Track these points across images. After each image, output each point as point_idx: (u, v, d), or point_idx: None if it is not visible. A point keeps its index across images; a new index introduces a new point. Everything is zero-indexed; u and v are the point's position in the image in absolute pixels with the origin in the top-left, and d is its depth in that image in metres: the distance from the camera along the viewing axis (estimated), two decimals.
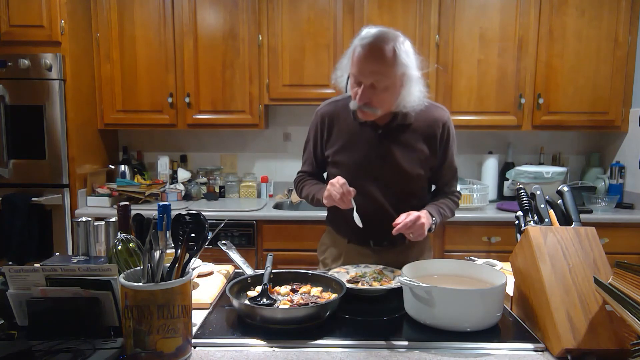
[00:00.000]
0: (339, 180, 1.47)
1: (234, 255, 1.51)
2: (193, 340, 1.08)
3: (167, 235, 1.06)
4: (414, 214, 1.46)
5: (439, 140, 1.62)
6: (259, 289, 1.31)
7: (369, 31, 1.47)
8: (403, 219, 1.45)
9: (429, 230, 1.52)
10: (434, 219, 1.55)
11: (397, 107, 1.55)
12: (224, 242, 1.56)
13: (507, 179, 3.08)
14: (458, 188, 1.76)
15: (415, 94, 1.52)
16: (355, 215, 1.47)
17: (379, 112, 1.51)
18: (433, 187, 1.77)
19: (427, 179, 1.68)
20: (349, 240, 1.72)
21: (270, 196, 3.29)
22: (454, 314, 1.13)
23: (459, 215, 2.76)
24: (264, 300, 1.23)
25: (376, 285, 1.39)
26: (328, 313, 1.20)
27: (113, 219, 1.50)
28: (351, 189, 1.46)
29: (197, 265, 1.54)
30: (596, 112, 2.99)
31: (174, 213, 1.07)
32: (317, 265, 1.86)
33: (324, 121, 1.67)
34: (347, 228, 1.65)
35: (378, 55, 1.42)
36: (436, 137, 1.62)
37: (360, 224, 1.47)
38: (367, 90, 1.45)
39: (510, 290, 1.32)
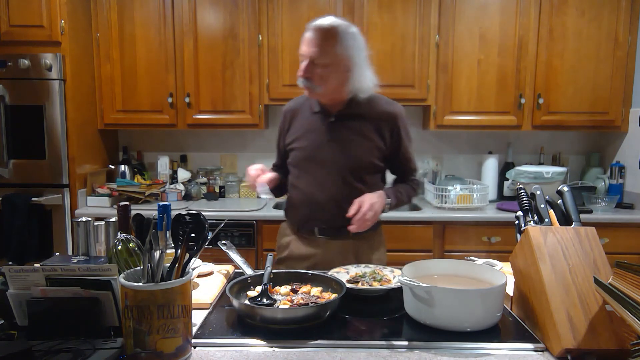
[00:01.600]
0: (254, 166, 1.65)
1: (234, 255, 1.51)
2: (193, 340, 1.08)
3: (167, 235, 1.06)
4: (367, 202, 1.54)
5: (390, 131, 1.69)
6: (259, 289, 1.31)
7: (321, 18, 1.61)
8: (359, 212, 1.53)
9: (383, 211, 1.62)
10: (389, 199, 1.65)
11: (347, 93, 1.65)
12: (224, 242, 1.56)
13: (507, 179, 3.08)
14: (417, 176, 1.86)
15: (364, 81, 1.62)
16: (260, 189, 1.61)
17: (320, 90, 1.59)
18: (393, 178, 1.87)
19: (381, 171, 1.75)
20: (297, 228, 1.77)
21: None
22: (454, 314, 1.13)
23: (459, 215, 2.76)
24: (264, 300, 1.23)
25: (376, 285, 1.39)
26: (328, 313, 1.20)
27: (113, 219, 1.50)
28: (260, 173, 1.63)
29: (197, 265, 1.53)
30: (596, 112, 2.99)
31: (174, 213, 1.07)
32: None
33: (287, 116, 1.79)
34: (296, 215, 1.76)
35: (319, 34, 1.55)
36: (388, 128, 1.69)
37: (265, 196, 1.60)
38: (308, 66, 1.55)
39: (510, 290, 1.32)
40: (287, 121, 1.78)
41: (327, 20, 1.58)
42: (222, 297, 1.38)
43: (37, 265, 1.20)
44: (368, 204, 1.53)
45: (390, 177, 1.85)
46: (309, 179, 1.69)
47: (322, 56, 1.55)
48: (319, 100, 1.70)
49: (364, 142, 1.67)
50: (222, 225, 1.64)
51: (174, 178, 3.25)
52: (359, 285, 1.38)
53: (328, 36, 1.55)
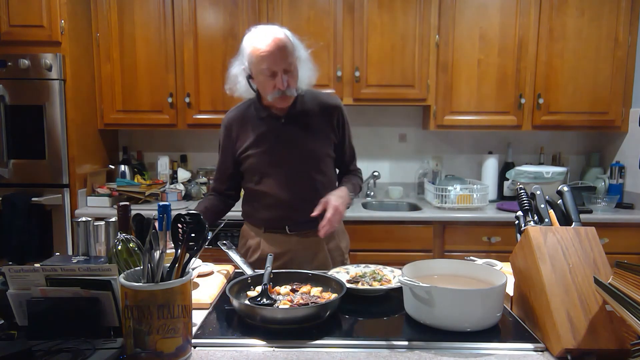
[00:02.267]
0: None
1: (234, 255, 1.51)
2: (193, 340, 1.08)
3: (167, 235, 1.06)
4: (331, 206, 1.60)
5: (335, 123, 1.79)
6: (259, 289, 1.31)
7: (259, 30, 1.64)
8: (325, 218, 1.59)
9: (347, 207, 1.69)
10: (351, 194, 1.75)
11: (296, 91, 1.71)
12: (224, 242, 1.56)
13: (507, 179, 3.08)
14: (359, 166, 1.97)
15: (306, 73, 1.71)
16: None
17: (294, 94, 1.68)
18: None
19: (333, 159, 1.82)
20: (265, 229, 1.79)
21: None
22: (454, 314, 1.13)
23: (459, 215, 2.76)
24: (264, 300, 1.23)
25: (376, 285, 1.39)
26: (328, 313, 1.20)
27: (113, 219, 1.50)
28: None
29: (197, 265, 1.54)
30: (596, 112, 2.99)
31: (174, 213, 1.07)
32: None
33: (231, 126, 1.79)
34: (262, 217, 1.79)
35: (281, 44, 1.59)
36: (332, 119, 1.78)
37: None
38: (284, 76, 1.60)
39: (510, 290, 1.32)
40: (233, 131, 1.78)
41: (274, 30, 1.62)
42: (222, 297, 1.38)
43: (37, 265, 1.20)
44: (332, 208, 1.60)
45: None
46: (271, 182, 1.73)
47: (292, 64, 1.63)
48: (263, 105, 1.75)
49: (317, 136, 1.75)
50: (222, 225, 1.64)
51: (174, 178, 3.25)
52: (359, 285, 1.38)
53: (286, 44, 1.60)
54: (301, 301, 1.24)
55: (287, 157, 1.72)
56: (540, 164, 3.28)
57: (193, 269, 1.17)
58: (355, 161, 1.93)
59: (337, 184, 1.86)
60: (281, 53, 1.59)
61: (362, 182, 1.93)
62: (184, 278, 1.02)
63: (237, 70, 1.71)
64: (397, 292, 1.32)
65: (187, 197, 3.15)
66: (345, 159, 1.88)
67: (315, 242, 1.77)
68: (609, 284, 0.97)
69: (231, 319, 1.23)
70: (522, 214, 1.33)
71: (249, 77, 1.69)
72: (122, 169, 3.17)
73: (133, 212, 1.17)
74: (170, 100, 3.00)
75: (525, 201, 1.34)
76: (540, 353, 1.06)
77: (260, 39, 1.60)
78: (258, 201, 1.78)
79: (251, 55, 1.62)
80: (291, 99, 1.68)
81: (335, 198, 1.63)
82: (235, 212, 2.81)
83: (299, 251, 1.76)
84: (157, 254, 1.02)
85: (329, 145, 1.78)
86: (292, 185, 1.72)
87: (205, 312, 1.28)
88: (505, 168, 3.19)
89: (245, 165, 1.77)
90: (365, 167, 3.03)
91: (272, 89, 1.63)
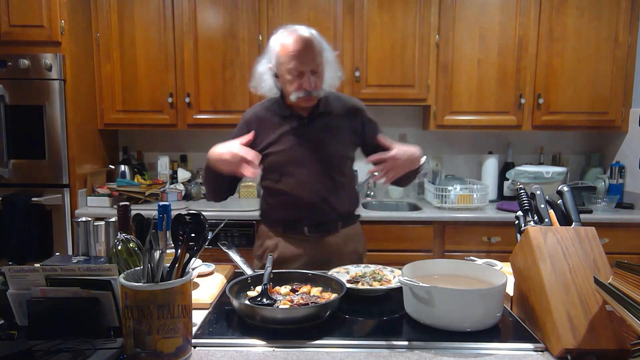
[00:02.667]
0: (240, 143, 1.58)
1: (234, 255, 1.51)
2: (193, 340, 1.08)
3: (167, 235, 1.06)
4: (394, 151, 1.56)
5: (358, 124, 1.78)
6: (259, 289, 1.31)
7: (288, 29, 1.64)
8: (382, 157, 1.54)
9: (417, 170, 1.66)
10: (424, 157, 1.68)
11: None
12: (224, 242, 1.56)
13: (507, 179, 3.08)
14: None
15: (331, 75, 1.71)
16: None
17: (320, 95, 1.68)
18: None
19: (353, 161, 1.81)
20: (283, 229, 1.78)
21: None
22: (454, 314, 1.13)
23: (459, 215, 2.76)
24: (264, 300, 1.23)
25: (376, 285, 1.39)
26: (328, 313, 1.20)
27: (113, 219, 1.50)
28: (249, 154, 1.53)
29: (197, 265, 1.53)
30: (596, 112, 2.99)
31: (174, 213, 1.07)
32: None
33: (251, 123, 1.79)
34: (281, 217, 1.77)
35: (310, 44, 1.60)
36: (354, 121, 1.78)
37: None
38: (311, 76, 1.61)
39: (510, 290, 1.32)
40: (254, 128, 1.76)
41: (303, 30, 1.63)
42: (222, 297, 1.38)
43: (37, 265, 1.20)
44: (393, 154, 1.54)
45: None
46: (291, 181, 1.71)
47: (319, 65, 1.64)
48: (286, 104, 1.75)
49: (339, 137, 1.75)
50: (222, 225, 1.64)
51: (174, 178, 3.25)
52: (359, 285, 1.38)
53: (314, 45, 1.61)
54: (301, 301, 1.24)
55: (308, 157, 1.70)
56: (540, 164, 3.28)
57: (193, 269, 1.17)
58: None
59: (355, 187, 1.86)
60: (309, 53, 1.60)
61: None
62: (184, 278, 1.02)
63: (263, 69, 1.71)
64: (397, 292, 1.32)
65: (187, 197, 3.15)
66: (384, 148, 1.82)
67: (334, 244, 1.76)
68: (609, 284, 0.97)
69: (231, 319, 1.23)
70: (522, 214, 1.33)
71: (275, 76, 1.69)
72: (122, 169, 3.17)
73: (133, 212, 1.17)
74: (170, 100, 3.00)
75: (525, 201, 1.34)
76: (540, 353, 1.06)
77: (288, 38, 1.60)
78: (277, 200, 1.77)
79: (279, 54, 1.63)
80: (315, 99, 1.69)
81: (401, 147, 1.58)
82: (236, 212, 2.82)
83: (317, 253, 1.74)
84: (157, 254, 1.02)
85: (350, 148, 1.77)
86: (312, 185, 1.70)
87: (205, 312, 1.28)
88: (505, 168, 3.19)
89: (266, 163, 1.74)
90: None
91: (298, 89, 1.63)
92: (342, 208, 1.77)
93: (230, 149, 1.58)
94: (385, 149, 1.59)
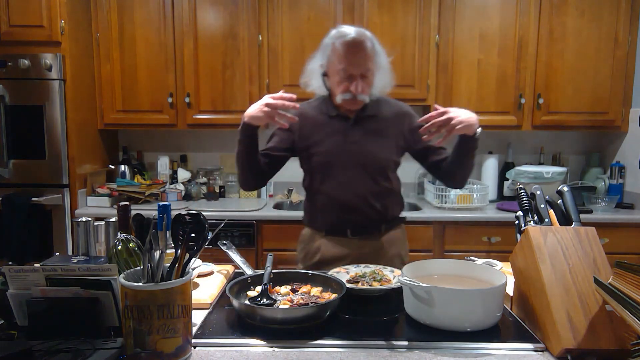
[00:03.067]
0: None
1: (234, 255, 1.51)
2: (193, 340, 1.08)
3: (167, 235, 1.06)
4: (448, 111, 1.49)
5: (406, 129, 1.75)
6: (259, 289, 1.31)
7: (345, 29, 1.62)
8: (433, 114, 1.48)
9: (475, 137, 1.56)
10: (480, 129, 1.57)
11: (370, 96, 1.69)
12: (224, 242, 1.56)
13: (507, 179, 3.08)
14: None
15: (381, 81, 1.69)
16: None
17: (365, 99, 1.65)
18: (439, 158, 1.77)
19: (398, 167, 1.79)
20: (326, 232, 1.76)
21: (270, 196, 3.29)
22: (454, 314, 1.13)
23: (459, 215, 2.76)
24: (264, 300, 1.23)
25: (376, 285, 1.39)
26: (328, 313, 1.20)
27: (113, 219, 1.50)
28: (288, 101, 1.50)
29: (197, 265, 1.53)
30: (596, 112, 2.99)
31: (174, 213, 1.07)
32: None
33: (298, 117, 1.72)
34: (324, 219, 1.75)
35: (363, 48, 1.58)
36: (402, 126, 1.76)
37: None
38: (359, 80, 1.60)
39: (510, 290, 1.32)
40: (299, 124, 1.72)
41: (361, 33, 1.60)
42: (222, 297, 1.38)
43: (37, 265, 1.20)
44: (448, 112, 1.48)
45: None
46: (334, 183, 1.70)
47: (370, 70, 1.61)
48: (334, 104, 1.72)
49: (385, 141, 1.73)
50: (222, 225, 1.64)
51: (174, 178, 3.25)
52: (359, 285, 1.38)
53: (368, 49, 1.59)
54: (301, 301, 1.24)
55: (353, 159, 1.69)
56: (540, 164, 3.28)
57: (193, 269, 1.17)
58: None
59: (401, 190, 1.83)
60: (361, 57, 1.58)
61: None
62: (184, 278, 1.02)
63: (315, 66, 1.70)
64: (397, 292, 1.32)
65: (187, 197, 3.15)
66: (436, 152, 1.77)
67: (376, 247, 1.75)
68: (609, 284, 0.97)
69: (231, 319, 1.23)
70: (522, 214, 1.33)
71: (324, 75, 1.69)
72: (122, 169, 3.17)
73: (133, 212, 1.17)
74: (170, 100, 3.00)
75: (525, 201, 1.34)
76: (540, 353, 1.06)
77: (343, 39, 1.58)
78: (320, 202, 1.75)
79: (330, 54, 1.62)
80: (360, 104, 1.67)
81: (459, 109, 1.50)
82: (236, 212, 2.82)
83: (359, 256, 1.71)
84: (157, 254, 1.02)
85: (396, 152, 1.75)
86: (355, 188, 1.69)
87: (205, 312, 1.28)
88: (505, 168, 3.19)
89: (310, 163, 1.74)
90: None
91: (344, 91, 1.62)
92: (386, 211, 1.74)
93: (265, 98, 1.54)
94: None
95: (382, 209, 1.73)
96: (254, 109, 1.56)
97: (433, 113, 1.50)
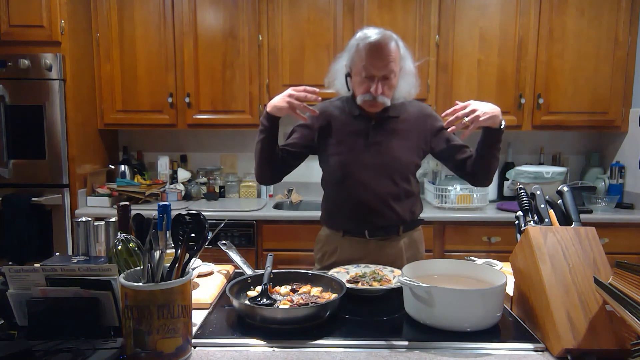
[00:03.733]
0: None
1: (234, 255, 1.51)
2: (193, 340, 1.08)
3: (167, 235, 1.06)
4: (471, 105, 1.51)
5: (429, 131, 1.75)
6: (259, 289, 1.31)
7: (369, 31, 1.62)
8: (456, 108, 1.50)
9: (500, 130, 1.61)
10: (503, 122, 1.59)
11: (393, 99, 1.69)
12: (224, 242, 1.56)
13: (507, 179, 3.08)
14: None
15: (406, 86, 1.69)
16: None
17: (387, 102, 1.64)
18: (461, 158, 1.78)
19: (418, 169, 1.79)
20: (344, 233, 1.75)
21: (270, 196, 3.29)
22: (454, 314, 1.13)
23: (459, 215, 2.76)
24: (264, 300, 1.23)
25: (376, 285, 1.39)
26: (328, 313, 1.20)
27: (113, 219, 1.49)
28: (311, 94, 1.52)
29: (197, 265, 1.53)
30: (596, 112, 2.99)
31: (174, 213, 1.07)
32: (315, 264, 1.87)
33: (320, 114, 1.72)
34: (342, 219, 1.74)
35: (388, 51, 1.58)
36: (425, 128, 1.75)
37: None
38: (380, 82, 1.59)
39: (510, 290, 1.32)
40: (321, 120, 1.73)
41: (388, 36, 1.60)
42: (222, 297, 1.38)
43: (37, 265, 1.20)
44: (471, 106, 1.50)
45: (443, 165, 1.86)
46: (354, 182, 1.69)
47: (393, 72, 1.61)
48: (356, 104, 1.71)
49: (406, 142, 1.72)
50: (222, 225, 1.64)
51: (174, 178, 3.25)
52: (359, 285, 1.38)
53: (392, 51, 1.59)
54: (301, 301, 1.24)
55: (373, 160, 1.68)
56: (540, 164, 3.28)
57: (193, 269, 1.17)
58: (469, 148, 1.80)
59: (419, 193, 1.83)
60: (384, 59, 1.57)
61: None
62: (184, 278, 1.02)
63: (339, 66, 1.71)
64: (397, 292, 1.32)
65: (187, 197, 3.15)
66: (463, 150, 1.77)
67: (394, 248, 1.74)
68: (609, 284, 0.97)
69: (231, 319, 1.23)
70: (522, 214, 1.33)
71: (348, 75, 1.69)
72: (122, 169, 3.17)
73: (133, 212, 1.17)
74: (170, 100, 3.00)
75: (525, 201, 1.34)
76: (540, 353, 1.06)
77: (368, 40, 1.58)
78: (339, 201, 1.74)
79: (355, 54, 1.62)
80: (381, 106, 1.65)
81: (480, 102, 1.52)
82: (236, 212, 2.82)
83: (377, 257, 1.70)
84: (157, 254, 1.02)
85: (417, 155, 1.74)
86: (375, 188, 1.68)
87: (205, 312, 1.28)
88: (505, 168, 3.19)
89: (330, 162, 1.73)
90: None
91: (365, 92, 1.61)
92: (404, 214, 1.73)
93: (289, 90, 1.55)
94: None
95: (401, 211, 1.71)
96: (278, 99, 1.57)
97: (456, 107, 1.51)
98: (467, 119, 1.50)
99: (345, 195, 1.71)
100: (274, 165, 1.71)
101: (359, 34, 1.64)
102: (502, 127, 1.60)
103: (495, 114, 1.54)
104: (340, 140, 1.71)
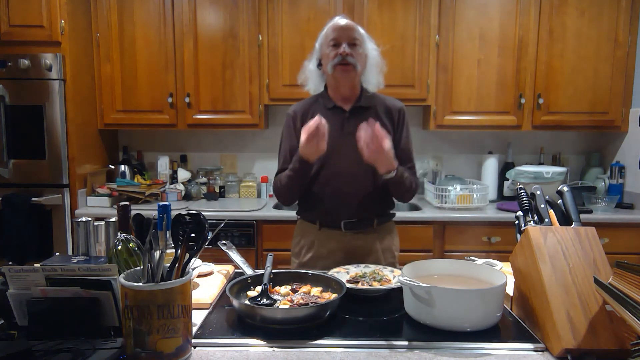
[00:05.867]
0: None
1: (234, 255, 1.51)
2: (193, 340, 1.08)
3: (167, 235, 1.06)
4: (386, 140, 1.54)
5: (396, 123, 1.83)
6: (259, 289, 1.31)
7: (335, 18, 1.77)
8: (376, 137, 1.53)
9: (389, 174, 1.62)
10: (398, 168, 1.65)
11: (359, 87, 1.80)
12: (224, 242, 1.56)
13: (507, 179, 3.08)
14: (419, 175, 1.95)
15: (375, 76, 1.80)
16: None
17: (359, 68, 1.73)
18: None
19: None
20: (320, 225, 1.80)
21: (270, 196, 3.29)
22: (454, 314, 1.13)
23: (459, 215, 2.76)
24: (264, 300, 1.23)
25: (376, 285, 1.39)
26: (328, 313, 1.20)
27: (113, 219, 1.50)
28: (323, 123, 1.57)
29: (197, 265, 1.54)
30: (596, 112, 2.99)
31: (174, 213, 1.07)
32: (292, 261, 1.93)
33: (296, 117, 1.83)
34: (319, 211, 1.79)
35: (352, 26, 1.74)
36: (394, 121, 1.82)
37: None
38: (348, 46, 1.70)
39: (510, 290, 1.32)
40: (298, 122, 1.80)
41: (352, 22, 1.76)
42: (222, 297, 1.38)
43: (37, 265, 1.20)
44: (387, 142, 1.54)
45: None
46: (330, 173, 1.75)
47: (358, 42, 1.73)
48: (329, 97, 1.80)
49: None
50: (222, 225, 1.64)
51: (174, 178, 3.25)
52: (359, 285, 1.38)
53: (355, 26, 1.75)
54: (301, 301, 1.24)
55: (348, 151, 1.72)
56: (540, 164, 3.28)
57: (193, 269, 1.17)
58: (412, 164, 1.85)
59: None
60: (348, 28, 1.71)
61: (414, 178, 1.81)
62: (184, 278, 1.02)
63: (310, 61, 1.82)
64: (397, 292, 1.32)
65: (187, 197, 3.15)
66: (404, 162, 1.80)
67: (368, 241, 1.80)
68: (609, 284, 0.97)
69: (231, 319, 1.23)
70: (522, 214, 1.33)
71: (319, 65, 1.78)
72: (122, 169, 3.17)
73: (133, 212, 1.17)
74: (170, 100, 3.00)
75: (525, 201, 1.34)
76: (540, 353, 1.06)
77: (334, 20, 1.75)
78: (316, 193, 1.79)
79: (323, 39, 1.75)
80: (352, 70, 1.72)
81: (388, 142, 1.55)
82: (236, 212, 2.82)
83: (352, 250, 1.78)
84: (157, 254, 1.02)
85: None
86: (351, 180, 1.74)
87: (205, 312, 1.28)
88: (505, 168, 3.19)
89: None
90: None
91: (334, 57, 1.70)
92: (379, 204, 1.80)
93: (307, 136, 1.57)
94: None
95: (375, 200, 1.77)
96: (308, 146, 1.59)
97: (377, 127, 1.53)
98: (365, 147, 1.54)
99: (322, 186, 1.76)
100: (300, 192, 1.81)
101: (332, 21, 1.77)
102: (385, 176, 1.63)
103: (386, 158, 1.57)
104: None
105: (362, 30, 1.76)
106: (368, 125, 1.53)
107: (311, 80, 1.83)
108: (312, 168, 1.70)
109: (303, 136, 1.58)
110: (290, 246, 1.96)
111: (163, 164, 3.24)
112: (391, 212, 1.90)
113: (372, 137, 1.52)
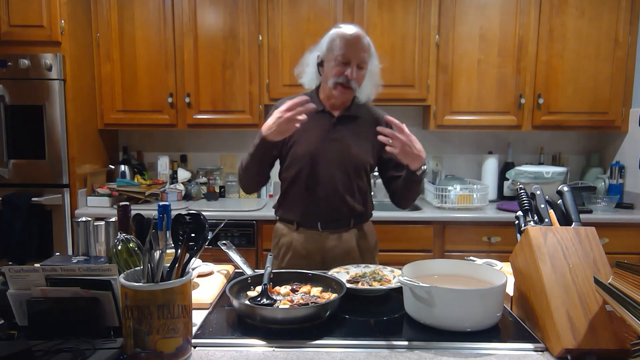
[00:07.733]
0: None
1: (234, 255, 1.51)
2: (193, 340, 1.08)
3: (167, 235, 1.06)
4: (408, 134, 1.55)
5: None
6: (259, 289, 1.31)
7: (346, 26, 1.71)
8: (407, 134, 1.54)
9: (422, 172, 1.64)
10: (425, 165, 1.67)
11: (355, 95, 1.77)
12: (224, 242, 1.56)
13: (507, 179, 3.08)
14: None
15: (369, 88, 1.78)
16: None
17: (357, 91, 1.73)
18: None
19: (372, 167, 1.84)
20: (297, 225, 1.81)
21: (270, 196, 3.29)
22: (454, 314, 1.13)
23: (459, 215, 2.76)
24: (264, 300, 1.23)
25: (376, 285, 1.39)
26: (328, 313, 1.20)
27: (113, 219, 1.50)
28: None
29: (197, 265, 1.54)
30: (596, 112, 2.99)
31: (174, 213, 1.07)
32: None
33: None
34: (296, 212, 1.80)
35: (364, 43, 1.69)
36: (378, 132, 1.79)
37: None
38: (356, 68, 1.68)
39: (510, 290, 1.32)
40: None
41: (362, 32, 1.70)
42: (222, 297, 1.38)
43: (37, 265, 1.20)
44: (408, 135, 1.55)
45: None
46: (310, 175, 1.74)
47: (365, 62, 1.70)
48: (319, 99, 1.80)
49: (364, 142, 1.79)
50: (222, 225, 1.64)
51: (174, 178, 3.25)
52: (359, 285, 1.38)
53: (366, 43, 1.69)
54: (301, 301, 1.24)
55: (330, 155, 1.74)
56: (540, 164, 3.28)
57: (193, 269, 1.17)
58: None
59: (371, 191, 1.88)
60: (362, 47, 1.67)
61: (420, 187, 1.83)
62: (184, 278, 1.02)
63: (311, 57, 1.79)
64: (397, 292, 1.32)
65: (187, 197, 3.15)
66: (397, 166, 1.80)
67: (346, 240, 1.80)
68: (609, 284, 0.97)
69: (231, 319, 1.23)
70: (522, 214, 1.33)
71: (320, 65, 1.75)
72: (122, 169, 3.17)
73: (133, 212, 1.17)
74: (170, 100, 3.00)
75: (525, 201, 1.34)
76: (540, 353, 1.06)
77: (347, 29, 1.69)
78: (294, 192, 1.79)
79: (334, 40, 1.68)
80: (350, 94, 1.73)
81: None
82: (236, 212, 2.82)
83: (330, 249, 1.78)
84: (157, 254, 1.02)
85: (371, 155, 1.80)
86: (330, 183, 1.74)
87: (205, 312, 1.28)
88: (505, 168, 3.19)
89: (289, 154, 1.77)
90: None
91: (339, 75, 1.67)
92: (356, 208, 1.79)
93: (277, 111, 1.57)
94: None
95: (353, 204, 1.78)
96: (271, 122, 1.58)
97: (396, 122, 1.54)
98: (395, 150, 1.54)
99: (302, 186, 1.76)
100: (261, 180, 1.83)
101: (336, 29, 1.71)
102: (419, 172, 1.64)
103: (418, 154, 1.58)
104: (301, 133, 1.73)
105: (370, 45, 1.72)
106: (398, 132, 1.52)
107: (307, 75, 1.81)
108: (271, 151, 1.69)
109: (283, 107, 1.55)
110: None
111: (163, 164, 3.24)
112: (368, 212, 1.90)
113: (408, 141, 1.53)
